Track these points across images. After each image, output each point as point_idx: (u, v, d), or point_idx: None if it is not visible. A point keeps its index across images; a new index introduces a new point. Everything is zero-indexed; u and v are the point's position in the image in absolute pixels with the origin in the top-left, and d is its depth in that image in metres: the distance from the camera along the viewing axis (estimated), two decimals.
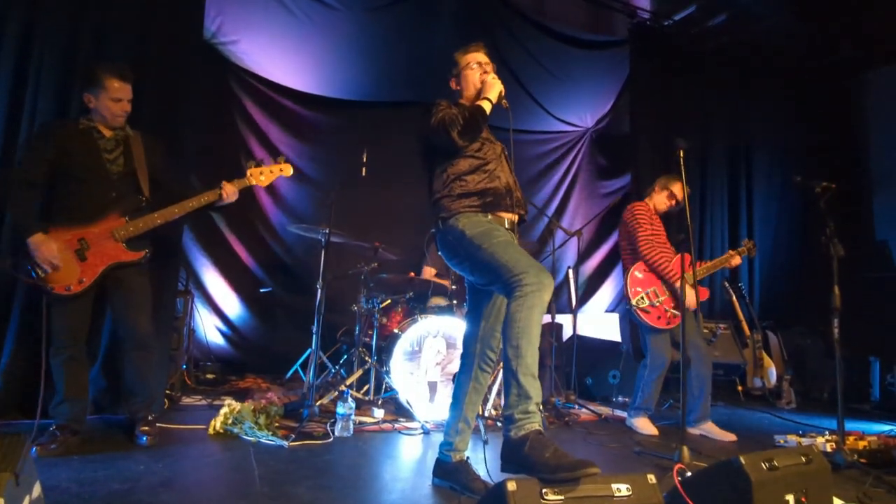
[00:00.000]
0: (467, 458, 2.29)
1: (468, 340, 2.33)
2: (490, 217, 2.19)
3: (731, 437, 3.37)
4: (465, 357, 2.33)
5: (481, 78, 2.36)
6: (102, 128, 2.60)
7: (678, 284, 3.40)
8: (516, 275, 1.95)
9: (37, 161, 2.47)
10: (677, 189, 3.61)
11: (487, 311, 2.29)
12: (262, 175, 2.86)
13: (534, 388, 1.85)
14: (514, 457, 1.79)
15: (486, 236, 2.09)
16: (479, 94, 2.33)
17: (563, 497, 1.46)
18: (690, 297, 3.29)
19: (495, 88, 2.31)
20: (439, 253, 2.38)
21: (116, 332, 2.67)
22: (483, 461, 2.32)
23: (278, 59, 4.90)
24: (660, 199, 3.68)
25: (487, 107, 2.28)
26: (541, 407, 1.89)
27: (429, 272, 4.63)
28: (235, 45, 4.68)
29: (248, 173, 2.84)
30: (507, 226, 2.22)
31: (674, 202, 3.65)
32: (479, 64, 2.39)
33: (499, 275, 2.01)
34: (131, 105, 2.62)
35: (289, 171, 2.96)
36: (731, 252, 3.76)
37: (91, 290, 2.49)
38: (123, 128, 2.65)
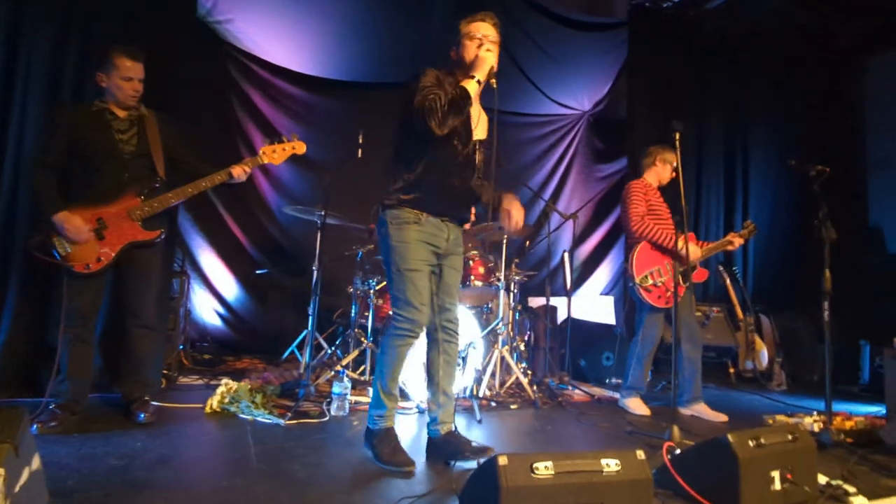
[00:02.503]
0: (455, 428, 2.36)
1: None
2: (422, 220, 2.24)
3: (723, 417, 3.41)
4: (429, 334, 2.42)
5: (475, 52, 2.26)
6: (116, 108, 2.62)
7: (678, 247, 3.42)
8: (398, 314, 2.24)
9: (52, 143, 2.54)
10: (667, 155, 3.65)
11: (433, 289, 2.36)
12: (276, 153, 2.84)
13: (389, 400, 2.26)
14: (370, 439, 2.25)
15: (401, 257, 2.23)
16: (472, 69, 2.24)
17: (553, 472, 1.50)
18: (694, 252, 3.39)
19: (485, 65, 2.22)
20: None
21: (122, 310, 2.70)
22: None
23: (274, 38, 4.85)
24: (656, 172, 3.69)
25: (473, 88, 2.20)
26: (396, 409, 2.31)
27: None
28: (231, 23, 4.63)
29: (261, 151, 2.83)
30: (441, 230, 2.29)
31: (669, 167, 3.66)
32: (480, 37, 2.28)
33: (392, 300, 2.28)
34: (143, 84, 2.64)
35: (302, 148, 2.91)
36: (732, 234, 3.76)
37: (108, 269, 2.55)
38: (137, 107, 2.67)
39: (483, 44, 2.27)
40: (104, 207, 2.52)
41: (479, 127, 2.41)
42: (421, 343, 3.50)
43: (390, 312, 2.31)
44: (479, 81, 2.22)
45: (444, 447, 2.29)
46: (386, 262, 2.31)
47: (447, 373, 2.37)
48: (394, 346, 2.26)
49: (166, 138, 2.71)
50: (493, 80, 2.28)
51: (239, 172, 2.72)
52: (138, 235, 2.58)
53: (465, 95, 2.18)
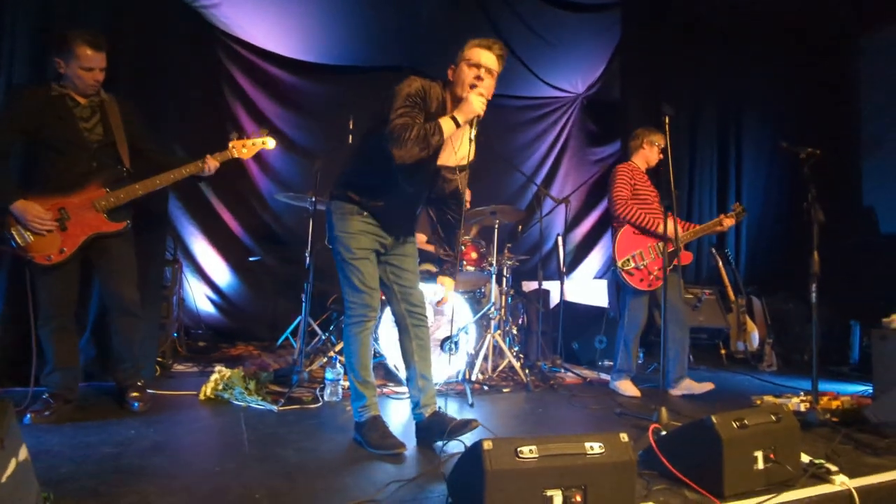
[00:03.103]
0: (439, 407, 2.42)
1: (391, 307, 2.48)
2: (365, 214, 2.28)
3: (709, 385, 3.51)
4: (397, 321, 2.47)
5: (468, 85, 2.14)
6: (75, 94, 2.52)
7: (659, 230, 3.41)
8: (350, 301, 2.30)
9: (7, 130, 2.42)
10: (653, 137, 3.66)
11: (388, 279, 2.43)
12: (245, 148, 2.85)
13: (366, 389, 2.31)
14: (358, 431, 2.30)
15: (346, 246, 2.27)
16: (455, 103, 2.17)
17: (536, 455, 1.52)
18: (671, 231, 3.27)
19: (470, 112, 2.11)
20: None
21: (103, 299, 2.70)
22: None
23: (261, 23, 4.79)
24: (643, 154, 3.69)
25: (449, 128, 2.10)
26: (376, 395, 2.37)
27: (419, 238, 4.65)
28: (217, 8, 4.56)
29: (231, 146, 2.81)
30: (377, 232, 2.32)
31: (656, 148, 3.67)
32: (478, 67, 2.16)
33: (342, 288, 2.34)
34: (104, 73, 2.53)
35: (271, 144, 2.93)
36: (721, 216, 3.76)
37: (73, 259, 2.49)
38: (98, 93, 2.58)
39: (479, 77, 2.15)
40: (67, 197, 2.45)
41: (462, 151, 2.30)
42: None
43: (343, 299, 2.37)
44: (458, 124, 2.12)
45: (430, 428, 2.34)
46: (333, 251, 2.35)
47: (422, 357, 2.42)
48: (353, 333, 2.32)
49: (129, 127, 2.64)
50: (474, 130, 2.18)
51: (206, 167, 2.68)
52: (103, 227, 2.52)
53: (439, 132, 2.09)
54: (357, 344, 2.32)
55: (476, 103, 2.11)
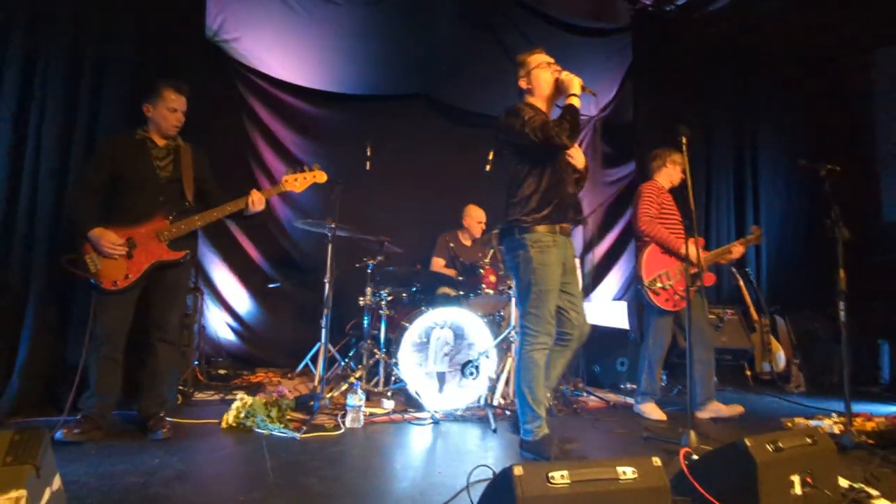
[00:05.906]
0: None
1: (561, 327, 2.71)
2: (557, 232, 2.56)
3: (738, 408, 3.42)
4: (561, 342, 2.72)
5: (556, 76, 2.57)
6: (156, 137, 2.81)
7: (682, 251, 3.37)
8: (535, 329, 2.51)
9: (97, 170, 2.71)
10: (675, 157, 3.67)
11: (565, 306, 2.67)
12: (297, 181, 3.02)
13: (542, 408, 2.52)
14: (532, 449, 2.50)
15: (542, 278, 2.51)
16: (560, 92, 2.56)
17: (569, 481, 1.49)
18: (693, 253, 3.25)
19: (575, 83, 2.50)
20: (500, 246, 2.85)
21: (147, 324, 2.79)
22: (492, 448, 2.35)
23: (281, 55, 4.91)
24: (667, 173, 3.68)
25: (577, 102, 2.49)
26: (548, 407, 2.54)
27: (437, 263, 4.68)
28: (238, 42, 4.69)
29: (283, 179, 3.01)
30: (565, 234, 2.61)
31: (678, 167, 3.67)
32: (549, 64, 2.60)
33: (527, 314, 2.56)
34: (185, 116, 2.83)
35: (323, 177, 3.10)
36: (734, 243, 3.72)
37: (135, 287, 2.66)
38: (175, 138, 2.85)
39: (558, 68, 2.59)
40: (135, 228, 2.66)
41: None
42: (435, 350, 3.54)
43: (523, 326, 2.57)
44: (577, 96, 2.51)
45: (539, 447, 2.57)
46: (524, 281, 2.55)
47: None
48: (536, 358, 2.52)
49: (198, 169, 2.87)
50: (589, 90, 2.56)
51: (259, 198, 2.87)
52: (164, 255, 2.69)
53: (575, 110, 2.49)
54: (539, 368, 2.52)
55: (573, 76, 2.53)
